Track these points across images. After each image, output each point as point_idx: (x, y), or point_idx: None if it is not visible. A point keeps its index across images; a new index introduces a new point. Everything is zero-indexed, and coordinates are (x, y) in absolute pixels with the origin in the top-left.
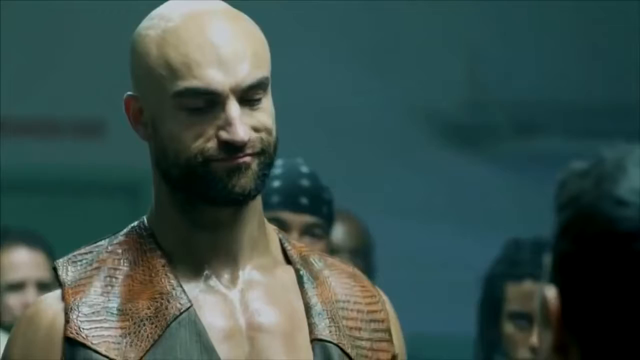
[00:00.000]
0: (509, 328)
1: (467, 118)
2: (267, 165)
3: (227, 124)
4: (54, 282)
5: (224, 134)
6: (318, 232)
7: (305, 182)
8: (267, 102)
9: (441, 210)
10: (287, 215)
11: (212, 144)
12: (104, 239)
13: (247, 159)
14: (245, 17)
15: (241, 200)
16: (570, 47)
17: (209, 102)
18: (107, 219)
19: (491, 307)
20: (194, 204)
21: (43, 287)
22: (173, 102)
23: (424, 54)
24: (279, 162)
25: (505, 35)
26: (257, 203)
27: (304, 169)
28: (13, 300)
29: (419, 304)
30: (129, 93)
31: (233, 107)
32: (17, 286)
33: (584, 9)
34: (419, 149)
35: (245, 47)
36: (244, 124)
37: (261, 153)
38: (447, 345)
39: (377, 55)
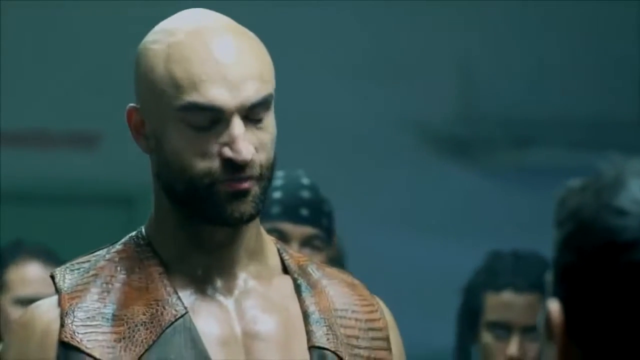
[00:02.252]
0: (487, 337)
1: (460, 130)
2: (266, 188)
3: (231, 142)
4: None
5: (227, 152)
6: (318, 243)
7: (305, 194)
8: (269, 120)
9: (434, 222)
10: (288, 227)
11: (216, 164)
12: (102, 248)
13: (248, 184)
14: (250, 33)
15: (239, 224)
16: (565, 59)
17: (213, 120)
18: (102, 230)
19: (470, 317)
20: (193, 220)
21: None
22: (177, 116)
23: (418, 66)
24: (279, 174)
25: (498, 47)
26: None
27: (305, 181)
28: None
29: (408, 314)
30: (132, 104)
31: (237, 125)
32: (27, 302)
33: (578, 21)
34: (412, 161)
35: (251, 64)
36: (248, 142)
37: (260, 178)
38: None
39: (371, 68)
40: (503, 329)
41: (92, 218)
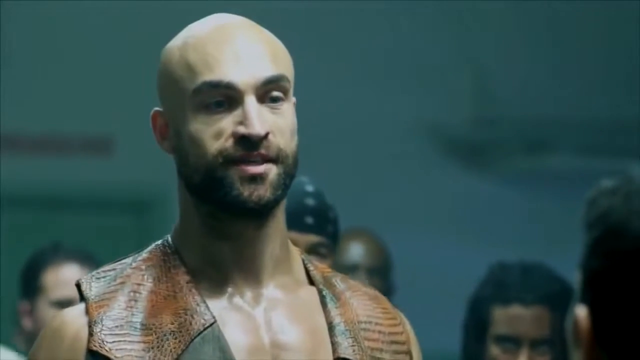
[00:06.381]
0: (495, 350)
1: (475, 134)
2: (286, 175)
3: (245, 119)
4: None
5: (241, 129)
6: (323, 251)
7: (310, 201)
8: (287, 110)
9: (448, 227)
10: (293, 235)
11: (230, 143)
12: (128, 256)
13: (263, 168)
14: (265, 29)
15: (258, 210)
16: (581, 62)
17: (227, 100)
18: (115, 235)
19: (476, 329)
20: (217, 216)
21: None
22: (193, 102)
23: (432, 69)
24: None
25: (514, 50)
26: (280, 222)
27: (309, 188)
28: None
29: (423, 319)
30: (156, 109)
31: (250, 103)
32: (64, 304)
33: (595, 25)
34: (426, 165)
35: (264, 48)
36: (262, 120)
37: (277, 161)
38: None
39: (385, 70)
40: (511, 343)
41: (105, 223)
